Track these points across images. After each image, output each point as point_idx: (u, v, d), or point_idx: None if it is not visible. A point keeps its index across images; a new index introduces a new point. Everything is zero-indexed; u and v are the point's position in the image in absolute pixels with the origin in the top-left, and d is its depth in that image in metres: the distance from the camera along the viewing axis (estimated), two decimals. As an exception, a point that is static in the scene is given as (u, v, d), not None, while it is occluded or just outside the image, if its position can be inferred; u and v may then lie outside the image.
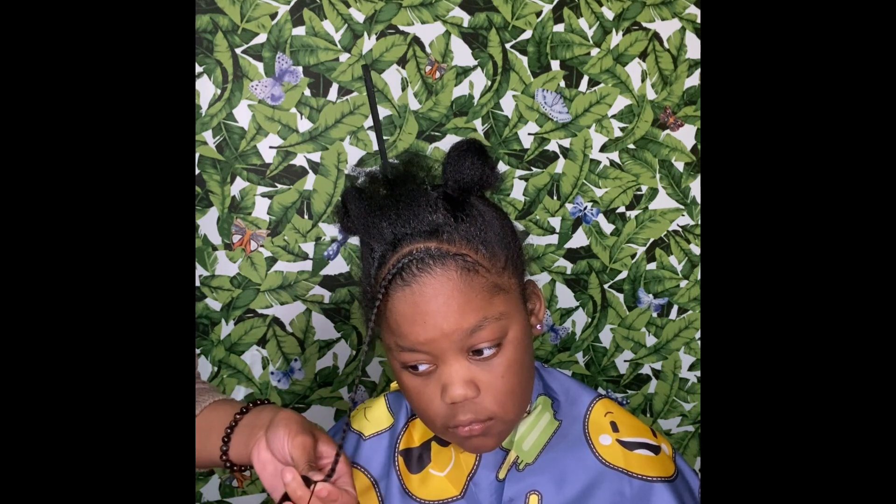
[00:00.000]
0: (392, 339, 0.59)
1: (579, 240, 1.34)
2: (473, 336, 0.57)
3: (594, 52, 1.29)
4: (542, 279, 1.35)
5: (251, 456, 0.62)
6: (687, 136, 1.35)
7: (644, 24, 1.30)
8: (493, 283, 0.58)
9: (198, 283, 1.22)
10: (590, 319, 1.38)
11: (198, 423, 0.69)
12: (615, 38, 1.29)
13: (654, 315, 1.41)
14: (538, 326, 0.65)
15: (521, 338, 0.60)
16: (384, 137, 1.24)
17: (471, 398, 0.58)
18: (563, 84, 1.29)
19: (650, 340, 1.41)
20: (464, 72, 1.25)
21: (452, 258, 0.56)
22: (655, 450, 0.66)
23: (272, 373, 1.28)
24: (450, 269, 0.56)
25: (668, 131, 1.34)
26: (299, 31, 1.19)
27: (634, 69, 1.31)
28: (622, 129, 1.32)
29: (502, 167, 1.29)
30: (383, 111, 1.23)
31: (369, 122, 1.23)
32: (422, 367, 0.59)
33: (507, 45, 1.26)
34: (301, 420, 0.62)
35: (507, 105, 1.27)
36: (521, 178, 1.30)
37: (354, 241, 1.26)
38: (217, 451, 0.66)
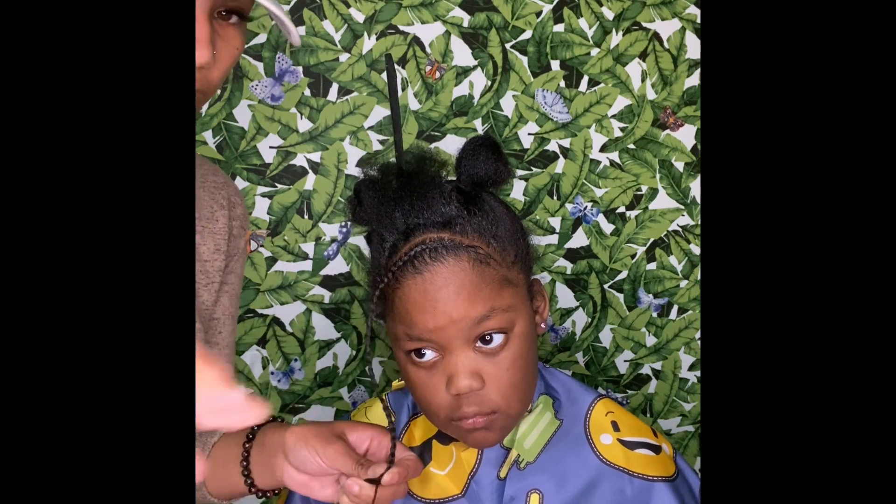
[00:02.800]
0: (400, 328, 0.59)
1: (579, 240, 1.34)
2: (481, 325, 0.57)
3: (594, 52, 1.29)
4: (542, 279, 1.35)
5: (282, 482, 0.60)
6: (687, 136, 1.35)
7: (644, 24, 1.30)
8: (502, 277, 0.59)
9: (198, 283, 1.22)
10: (590, 319, 1.38)
11: (217, 455, 0.66)
12: (615, 38, 1.29)
13: (654, 315, 1.41)
14: (542, 325, 0.65)
15: (526, 332, 0.60)
16: (387, 137, 1.24)
17: (476, 390, 0.58)
18: (563, 84, 1.29)
19: (650, 340, 1.41)
20: (464, 72, 1.25)
21: (465, 249, 0.57)
22: (656, 449, 0.66)
23: (272, 373, 1.28)
24: (462, 259, 0.57)
25: (668, 131, 1.34)
26: (299, 31, 1.19)
27: (634, 69, 1.31)
28: (622, 129, 1.32)
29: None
30: (383, 111, 1.23)
31: (370, 122, 1.23)
32: (427, 357, 0.59)
33: (507, 45, 1.26)
34: (316, 431, 0.58)
35: (507, 105, 1.27)
36: (521, 178, 1.30)
37: (354, 241, 1.26)
38: (242, 484, 0.63)
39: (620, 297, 1.39)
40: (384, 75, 1.22)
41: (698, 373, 1.43)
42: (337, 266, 1.26)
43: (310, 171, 1.23)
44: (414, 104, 1.24)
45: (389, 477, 0.54)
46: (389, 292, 0.59)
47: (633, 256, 1.37)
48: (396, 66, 1.23)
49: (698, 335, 1.42)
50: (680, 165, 1.35)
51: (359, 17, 1.20)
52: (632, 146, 1.33)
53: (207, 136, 1.18)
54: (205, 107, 1.18)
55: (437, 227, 0.58)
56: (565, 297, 1.36)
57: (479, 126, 1.27)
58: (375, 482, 0.54)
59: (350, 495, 0.55)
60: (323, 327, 1.29)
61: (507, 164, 0.60)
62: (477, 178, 0.59)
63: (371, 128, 1.23)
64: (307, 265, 1.25)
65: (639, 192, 1.35)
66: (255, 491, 0.63)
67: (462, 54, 1.24)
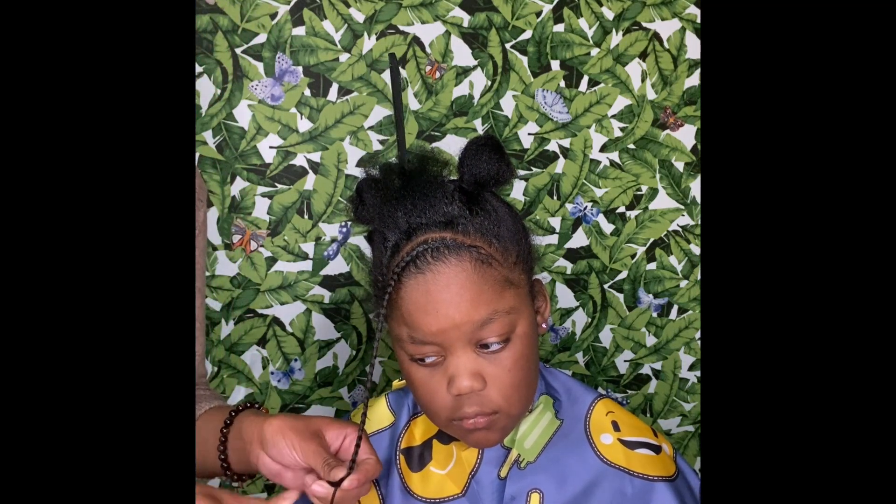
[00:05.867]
0: (403, 330, 0.59)
1: (579, 240, 1.34)
2: (483, 329, 0.57)
3: (594, 52, 1.29)
4: (542, 279, 1.35)
5: (257, 469, 0.61)
6: (687, 136, 1.35)
7: (644, 24, 1.30)
8: (504, 277, 0.59)
9: (198, 283, 1.22)
10: (590, 319, 1.38)
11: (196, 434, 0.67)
12: (615, 38, 1.29)
13: (654, 315, 1.41)
14: (543, 325, 0.65)
15: (528, 333, 0.60)
16: (387, 137, 1.24)
17: (477, 390, 0.58)
18: (563, 84, 1.29)
19: (650, 340, 1.41)
20: (464, 72, 1.25)
21: (467, 249, 0.57)
22: (656, 449, 0.66)
23: (272, 373, 1.28)
24: (464, 259, 0.57)
25: (668, 131, 1.34)
26: (299, 31, 1.19)
27: (634, 69, 1.31)
28: (622, 129, 1.32)
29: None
30: (383, 111, 1.23)
31: (370, 122, 1.23)
32: (429, 359, 0.59)
33: (507, 45, 1.26)
34: (294, 425, 0.59)
35: (507, 105, 1.27)
36: (521, 178, 1.30)
37: (354, 241, 1.26)
38: (218, 465, 0.64)
39: (620, 297, 1.39)
40: (384, 75, 1.22)
41: (698, 373, 1.43)
42: (337, 266, 1.26)
43: (310, 171, 1.23)
44: (414, 104, 1.24)
45: (348, 482, 0.54)
46: (392, 293, 0.59)
47: (633, 256, 1.37)
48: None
49: (698, 335, 1.42)
50: (680, 165, 1.35)
51: (359, 17, 1.20)
52: (632, 146, 1.33)
53: (207, 136, 1.18)
54: (205, 107, 1.18)
55: (439, 227, 0.58)
56: (565, 297, 1.36)
57: (479, 126, 1.27)
58: (335, 485, 0.54)
59: (311, 496, 0.56)
60: (323, 327, 1.29)
61: (510, 164, 0.60)
62: (479, 178, 0.59)
63: (371, 128, 1.23)
64: (307, 265, 1.25)
65: (639, 192, 1.35)
66: (230, 475, 0.64)
67: (462, 54, 1.24)
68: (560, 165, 1.31)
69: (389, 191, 0.59)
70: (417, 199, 0.58)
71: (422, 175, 0.59)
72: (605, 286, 1.38)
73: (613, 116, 1.31)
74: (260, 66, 1.18)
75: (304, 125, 1.21)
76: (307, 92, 1.20)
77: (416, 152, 0.61)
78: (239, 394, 1.27)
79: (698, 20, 1.30)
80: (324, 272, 1.26)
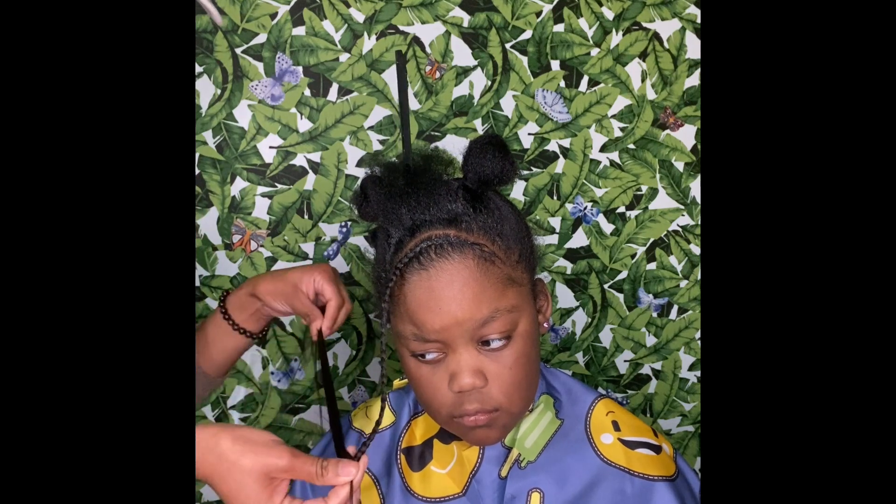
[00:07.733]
0: (406, 327, 0.59)
1: (579, 240, 1.34)
2: (485, 326, 0.57)
3: (594, 52, 1.29)
4: (542, 279, 1.34)
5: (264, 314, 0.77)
6: (687, 136, 1.35)
7: (644, 24, 1.30)
8: (506, 276, 0.59)
9: (198, 283, 1.22)
10: (590, 319, 1.38)
11: (202, 337, 0.79)
12: (615, 38, 1.29)
13: (654, 315, 1.41)
14: (544, 325, 0.65)
15: (530, 332, 0.60)
16: (387, 137, 1.24)
17: (478, 387, 0.58)
18: (563, 84, 1.29)
19: (650, 340, 1.41)
20: (464, 72, 1.25)
21: (470, 247, 0.57)
22: (657, 449, 0.66)
23: (272, 373, 1.28)
24: (467, 257, 0.57)
25: (668, 131, 1.34)
26: (299, 31, 1.19)
27: (634, 69, 1.31)
28: (622, 129, 1.32)
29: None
30: (383, 111, 1.23)
31: (370, 122, 1.23)
32: (430, 356, 0.59)
33: (507, 45, 1.26)
34: (278, 288, 0.74)
35: (507, 105, 1.27)
36: (521, 178, 1.30)
37: (354, 241, 1.26)
38: (231, 335, 0.77)
39: (620, 297, 1.39)
40: (384, 75, 1.22)
41: (698, 373, 1.43)
42: (337, 266, 1.26)
43: (310, 171, 1.23)
44: (414, 104, 1.24)
45: (323, 326, 0.72)
46: (395, 289, 0.59)
47: (633, 256, 1.37)
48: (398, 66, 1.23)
49: (698, 335, 1.42)
50: (680, 165, 1.35)
51: (359, 17, 1.20)
52: (632, 146, 1.33)
53: (207, 136, 1.18)
54: (205, 107, 1.18)
55: (443, 224, 0.58)
56: (565, 297, 1.36)
57: (479, 126, 1.27)
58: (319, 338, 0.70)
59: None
60: (323, 327, 1.28)
61: (514, 163, 0.61)
62: (483, 176, 0.59)
63: (371, 128, 1.23)
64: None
65: (639, 192, 1.35)
66: (245, 332, 0.78)
67: (462, 54, 1.24)
68: (560, 165, 1.31)
69: (394, 188, 0.59)
70: (422, 196, 0.58)
71: (426, 173, 0.59)
72: (605, 286, 1.38)
73: (613, 116, 1.31)
74: (260, 66, 1.18)
75: (304, 125, 1.21)
76: (307, 92, 1.20)
77: (420, 151, 0.61)
78: (239, 393, 1.27)
79: (698, 20, 1.30)
80: (324, 272, 1.26)
